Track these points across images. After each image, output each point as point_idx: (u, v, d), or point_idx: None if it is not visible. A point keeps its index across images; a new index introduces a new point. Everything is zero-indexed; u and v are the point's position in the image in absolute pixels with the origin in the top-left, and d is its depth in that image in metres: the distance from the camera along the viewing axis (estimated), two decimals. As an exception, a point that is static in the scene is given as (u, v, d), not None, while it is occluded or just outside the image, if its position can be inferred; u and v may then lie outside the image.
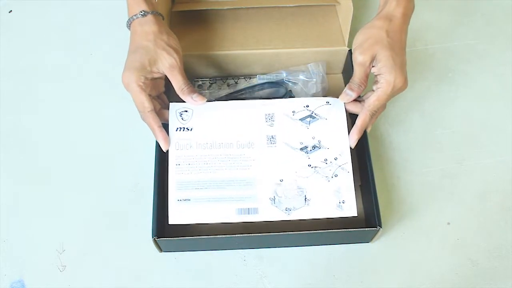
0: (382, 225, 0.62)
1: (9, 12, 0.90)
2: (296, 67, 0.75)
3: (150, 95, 0.61)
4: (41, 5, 0.91)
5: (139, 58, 0.60)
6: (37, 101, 0.80)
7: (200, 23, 0.77)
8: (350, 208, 0.61)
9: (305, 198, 0.61)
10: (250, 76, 0.78)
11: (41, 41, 0.87)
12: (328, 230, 0.62)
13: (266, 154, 0.63)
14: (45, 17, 0.90)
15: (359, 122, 0.63)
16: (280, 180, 0.62)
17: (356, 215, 0.61)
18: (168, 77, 0.62)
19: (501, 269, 0.66)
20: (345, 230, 0.63)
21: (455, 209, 0.71)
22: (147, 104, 0.60)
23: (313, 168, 0.63)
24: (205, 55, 0.74)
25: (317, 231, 0.62)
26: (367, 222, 0.68)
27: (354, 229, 0.63)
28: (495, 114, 0.79)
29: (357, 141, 0.64)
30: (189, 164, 0.62)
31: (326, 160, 0.63)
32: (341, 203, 0.61)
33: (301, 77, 0.74)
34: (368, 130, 0.66)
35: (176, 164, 0.62)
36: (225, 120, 0.65)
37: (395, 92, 0.61)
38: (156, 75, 0.62)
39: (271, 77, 0.75)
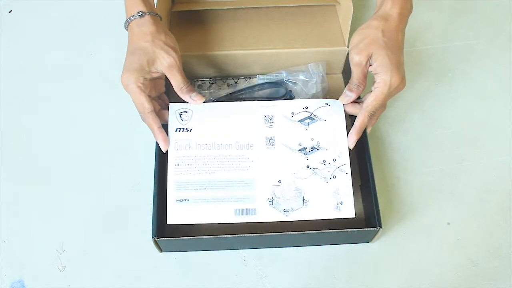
0: (382, 225, 0.62)
1: (9, 12, 0.90)
2: (296, 67, 0.75)
3: (150, 96, 0.61)
4: (41, 5, 0.91)
5: (138, 59, 0.60)
6: (37, 101, 0.80)
7: (200, 23, 0.77)
8: (348, 209, 0.61)
9: (303, 199, 0.61)
10: (250, 76, 0.78)
11: (41, 41, 0.87)
12: (328, 231, 0.62)
13: (265, 156, 0.63)
14: (45, 17, 0.90)
15: (357, 123, 0.63)
16: (279, 181, 0.62)
17: (354, 216, 0.61)
18: (167, 76, 0.62)
19: (501, 269, 0.66)
20: (345, 230, 0.63)
21: (455, 209, 0.71)
22: (146, 105, 0.60)
23: (312, 169, 0.63)
24: (205, 55, 0.74)
25: (317, 231, 0.62)
26: (367, 222, 0.68)
27: (354, 229, 0.63)
28: (495, 114, 0.79)
29: (355, 142, 0.64)
30: (188, 164, 0.62)
31: (324, 161, 0.63)
32: (339, 204, 0.61)
33: (301, 77, 0.74)
34: (368, 131, 0.66)
35: (175, 165, 0.62)
36: (224, 122, 0.65)
37: (392, 92, 0.60)
38: (155, 75, 0.62)
39: (271, 77, 0.75)
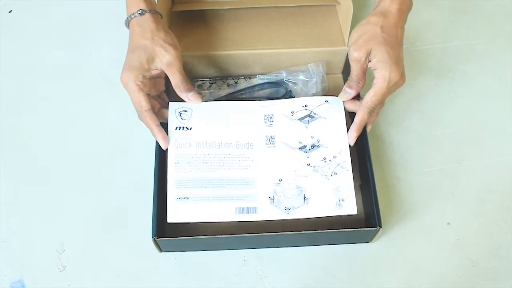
0: (382, 225, 0.62)
1: (9, 12, 0.90)
2: (296, 67, 0.75)
3: (149, 95, 0.61)
4: (41, 5, 0.91)
5: (137, 57, 0.60)
6: (37, 101, 0.80)
7: (200, 23, 0.77)
8: (349, 206, 0.61)
9: (304, 197, 0.61)
10: (250, 76, 0.78)
11: (41, 41, 0.87)
12: (328, 230, 0.62)
13: (265, 154, 0.63)
14: (45, 17, 0.90)
15: (357, 119, 0.63)
16: (279, 180, 0.62)
17: (356, 212, 0.61)
18: (167, 74, 0.62)
19: (501, 269, 0.66)
20: (345, 230, 0.63)
21: (455, 209, 0.71)
22: (144, 103, 0.60)
23: (312, 167, 0.63)
24: (205, 55, 0.74)
25: (317, 231, 0.62)
26: (367, 222, 0.68)
27: (354, 229, 0.63)
28: (495, 114, 0.79)
29: (356, 139, 0.63)
30: (189, 162, 0.62)
31: (325, 158, 0.63)
32: (341, 201, 0.61)
33: (301, 77, 0.74)
34: (369, 129, 0.66)
35: (175, 163, 0.62)
36: (224, 121, 0.65)
37: (392, 88, 0.60)
38: (154, 73, 0.62)
39: (271, 77, 0.75)
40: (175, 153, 0.63)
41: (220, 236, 0.62)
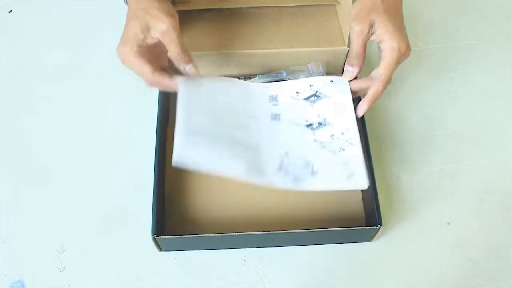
0: (383, 225, 0.62)
1: (9, 12, 0.90)
2: (296, 67, 0.75)
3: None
4: (41, 5, 0.91)
5: (132, 29, 0.58)
6: (37, 101, 0.80)
7: (200, 23, 0.77)
8: (360, 180, 0.58)
9: (312, 170, 0.58)
10: (250, 76, 0.77)
11: (41, 41, 0.87)
12: (328, 229, 0.62)
13: (271, 130, 0.61)
14: (45, 17, 0.90)
15: (371, 92, 0.60)
16: (286, 153, 0.60)
17: (366, 187, 0.58)
18: (163, 43, 0.59)
19: (501, 269, 0.66)
20: (346, 228, 0.63)
21: (455, 209, 0.71)
22: (147, 68, 0.57)
23: (320, 142, 0.61)
24: (204, 55, 0.74)
25: (317, 229, 0.62)
26: (367, 220, 0.68)
27: (355, 228, 0.63)
28: (495, 114, 0.79)
29: (365, 112, 0.61)
30: (199, 110, 0.58)
31: (332, 136, 0.61)
32: (350, 175, 0.58)
33: (301, 77, 0.74)
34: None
35: (186, 103, 0.58)
36: (230, 94, 0.63)
37: (401, 58, 0.59)
38: (150, 42, 0.58)
39: (271, 77, 0.75)
40: (186, 94, 0.58)
41: (220, 234, 0.62)
